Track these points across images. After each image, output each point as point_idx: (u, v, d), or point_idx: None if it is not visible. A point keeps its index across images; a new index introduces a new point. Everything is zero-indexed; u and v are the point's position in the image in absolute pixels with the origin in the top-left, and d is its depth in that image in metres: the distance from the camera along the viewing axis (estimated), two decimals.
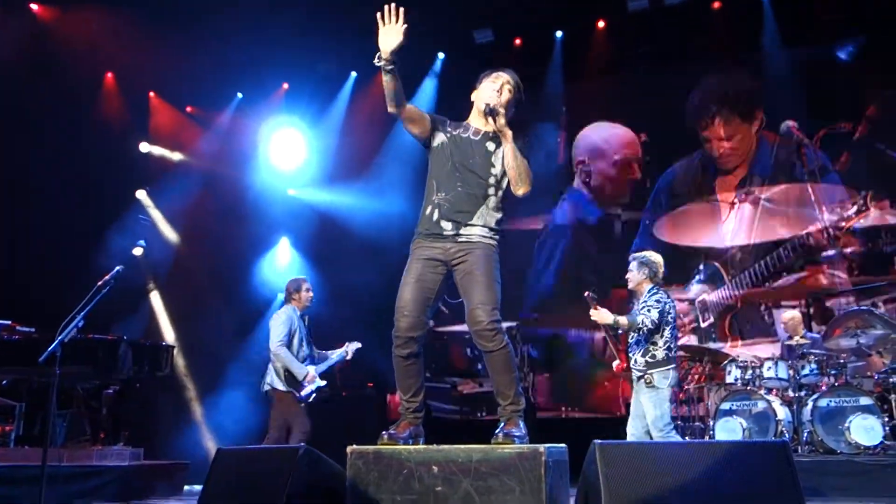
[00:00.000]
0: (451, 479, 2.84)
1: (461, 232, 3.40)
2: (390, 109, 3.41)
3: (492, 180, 3.47)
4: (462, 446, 2.89)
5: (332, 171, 10.74)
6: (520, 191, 3.43)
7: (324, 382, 6.03)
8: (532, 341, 10.01)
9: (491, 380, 3.33)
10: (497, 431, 3.17)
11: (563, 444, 3.02)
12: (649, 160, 9.96)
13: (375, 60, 3.28)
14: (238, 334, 10.06)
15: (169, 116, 10.90)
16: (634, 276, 5.56)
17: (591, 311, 5.34)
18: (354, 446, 3.06)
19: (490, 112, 3.40)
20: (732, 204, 9.51)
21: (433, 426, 3.72)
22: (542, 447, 2.79)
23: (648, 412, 5.20)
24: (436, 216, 3.43)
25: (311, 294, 6.16)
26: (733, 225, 9.48)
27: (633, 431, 5.36)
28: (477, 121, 3.58)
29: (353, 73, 10.74)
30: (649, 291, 5.45)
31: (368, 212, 10.07)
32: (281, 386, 5.86)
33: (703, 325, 9.04)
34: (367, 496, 2.96)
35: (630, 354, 5.44)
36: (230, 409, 9.25)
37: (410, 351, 3.37)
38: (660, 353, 5.30)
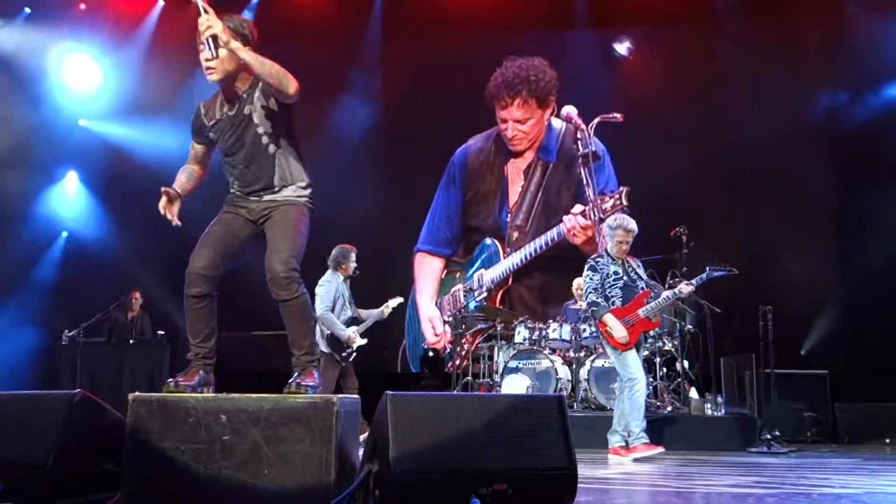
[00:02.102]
0: (240, 428, 2.78)
1: (263, 198, 3.38)
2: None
3: (264, 141, 3.33)
4: (253, 395, 2.84)
5: (130, 103, 10.00)
6: (290, 90, 3.15)
7: (364, 341, 6.57)
8: None
9: (287, 329, 3.29)
10: (290, 381, 3.14)
11: (356, 396, 3.05)
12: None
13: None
14: (17, 271, 9.23)
15: None
16: None
17: None
18: (137, 393, 2.90)
19: (214, 41, 3.08)
20: (519, 186, 10.03)
21: None
22: (334, 397, 2.79)
23: None
24: (238, 194, 3.43)
25: (355, 264, 6.67)
26: (515, 207, 10.02)
27: None
28: (228, 90, 3.35)
29: (160, 1, 10.03)
30: None
31: (168, 151, 9.50)
32: (324, 348, 6.35)
33: (477, 299, 9.45)
34: (149, 445, 2.82)
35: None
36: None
37: (200, 290, 3.26)
38: None
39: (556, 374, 7.47)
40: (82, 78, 10.01)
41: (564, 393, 7.44)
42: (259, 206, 3.36)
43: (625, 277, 5.97)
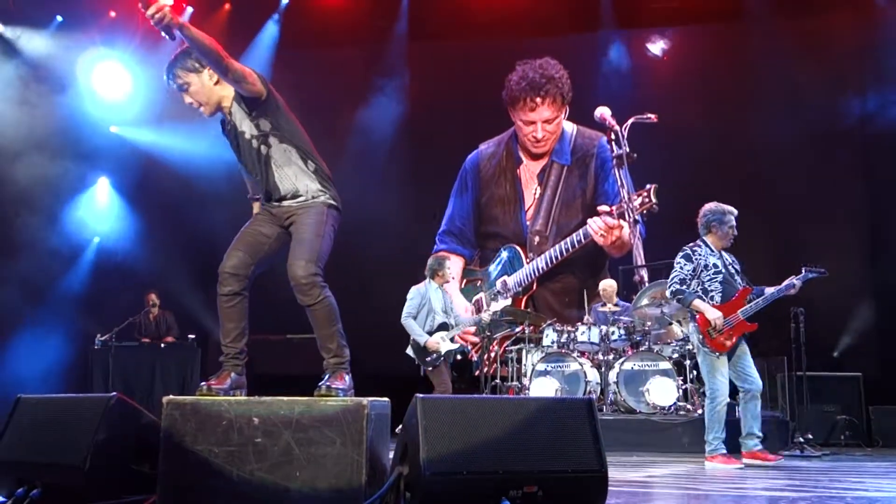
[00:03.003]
0: (272, 430, 2.82)
1: (283, 201, 3.42)
2: None
3: (263, 150, 3.36)
4: (284, 398, 2.87)
5: (161, 110, 10.12)
6: (222, 65, 3.06)
7: (452, 347, 6.63)
8: None
9: (315, 333, 3.31)
10: (320, 384, 3.17)
11: (387, 399, 3.07)
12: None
13: None
14: (49, 277, 9.38)
15: None
16: None
17: None
18: (171, 397, 2.94)
19: (167, 30, 2.96)
20: (533, 190, 10.03)
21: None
22: (365, 400, 2.82)
23: None
24: (262, 200, 3.51)
25: (451, 271, 6.86)
26: (533, 211, 10.01)
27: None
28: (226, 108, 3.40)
29: (189, 8, 10.15)
30: None
31: (197, 156, 9.62)
32: (409, 352, 6.68)
33: (497, 307, 9.44)
34: (183, 447, 2.87)
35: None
36: (34, 357, 8.64)
37: (231, 289, 3.30)
38: None
39: (585, 377, 7.44)
40: (113, 85, 10.16)
41: (594, 396, 7.41)
42: (281, 212, 3.41)
43: (724, 271, 5.46)
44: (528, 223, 10.01)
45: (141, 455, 3.08)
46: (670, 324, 7.90)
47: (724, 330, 5.29)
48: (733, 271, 5.53)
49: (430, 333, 6.57)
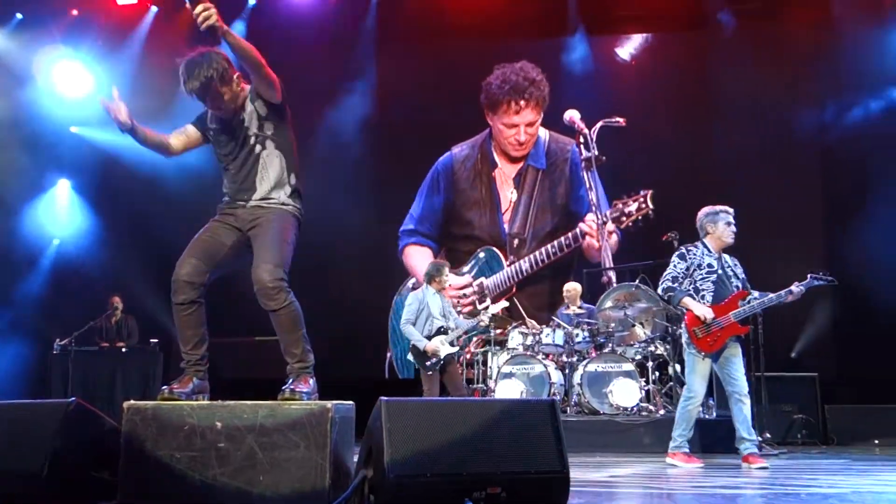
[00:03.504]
0: (235, 435, 2.81)
1: (251, 202, 3.42)
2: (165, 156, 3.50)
3: (252, 142, 3.40)
4: (248, 402, 2.86)
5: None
6: (268, 81, 3.26)
7: (452, 350, 6.59)
8: None
9: (279, 338, 3.30)
10: (284, 388, 3.16)
11: (351, 402, 3.07)
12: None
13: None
14: (7, 280, 9.21)
15: None
16: None
17: None
18: (131, 402, 2.92)
19: (212, 31, 3.02)
20: (509, 193, 10.11)
21: None
22: (329, 404, 2.82)
23: None
24: (226, 200, 3.49)
25: (447, 277, 6.84)
26: (510, 214, 10.09)
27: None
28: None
29: (154, 7, 10.05)
30: None
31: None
32: (410, 357, 6.74)
33: (479, 307, 9.51)
34: (144, 453, 2.84)
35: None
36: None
37: (185, 297, 3.28)
38: None
39: (550, 378, 7.50)
40: (74, 84, 9.98)
41: (558, 397, 7.47)
42: (246, 213, 3.39)
43: (720, 272, 5.43)
44: (505, 226, 10.07)
45: (101, 461, 3.05)
46: (633, 326, 8.01)
47: (712, 330, 5.29)
48: (731, 273, 5.49)
49: (429, 338, 6.63)
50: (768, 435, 6.79)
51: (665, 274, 5.55)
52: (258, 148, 3.40)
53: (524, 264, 9.72)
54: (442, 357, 6.58)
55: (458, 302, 9.49)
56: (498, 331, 8.20)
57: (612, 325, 7.81)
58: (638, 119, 9.22)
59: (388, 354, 10.13)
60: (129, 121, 3.28)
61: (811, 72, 9.53)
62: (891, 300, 7.97)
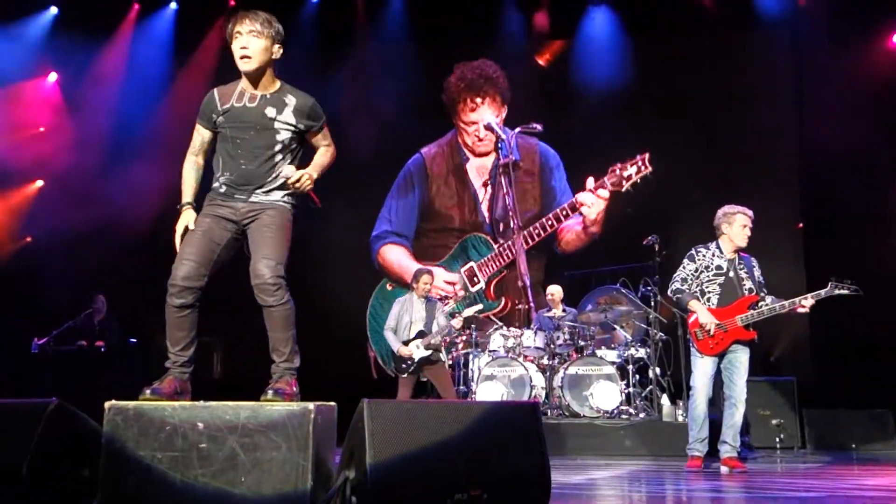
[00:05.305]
0: (217, 435, 2.80)
1: (253, 195, 3.35)
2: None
3: (278, 147, 3.35)
4: (230, 403, 2.85)
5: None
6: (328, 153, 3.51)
7: (425, 353, 6.66)
8: None
9: (269, 335, 3.30)
10: (267, 388, 3.16)
11: (333, 403, 3.07)
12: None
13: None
14: None
15: None
16: None
17: None
18: (113, 402, 2.90)
19: (295, 183, 3.30)
20: (484, 185, 10.18)
21: None
22: (311, 405, 2.82)
23: None
24: (223, 190, 3.38)
25: (427, 286, 6.88)
26: (488, 203, 10.16)
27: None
28: (248, 84, 3.38)
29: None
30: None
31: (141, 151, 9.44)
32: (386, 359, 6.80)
33: (472, 289, 9.61)
34: (125, 453, 2.83)
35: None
36: None
37: (184, 301, 3.24)
38: None
39: (531, 381, 7.53)
40: None
41: (539, 400, 7.50)
42: (246, 207, 3.33)
43: (730, 274, 5.40)
44: (485, 214, 10.14)
45: (82, 461, 3.03)
46: (614, 329, 8.06)
47: (714, 333, 5.28)
48: (744, 276, 5.43)
49: (408, 342, 6.72)
50: (747, 438, 6.86)
51: (675, 275, 5.56)
52: (278, 147, 3.35)
53: (519, 241, 9.80)
54: (416, 360, 6.65)
55: (450, 293, 9.51)
56: (478, 332, 8.21)
57: (594, 328, 7.86)
58: (614, 119, 9.37)
59: (372, 355, 10.13)
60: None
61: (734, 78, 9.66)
62: (870, 304, 8.07)
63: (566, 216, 9.35)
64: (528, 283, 8.63)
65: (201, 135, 3.46)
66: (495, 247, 10.02)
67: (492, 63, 9.96)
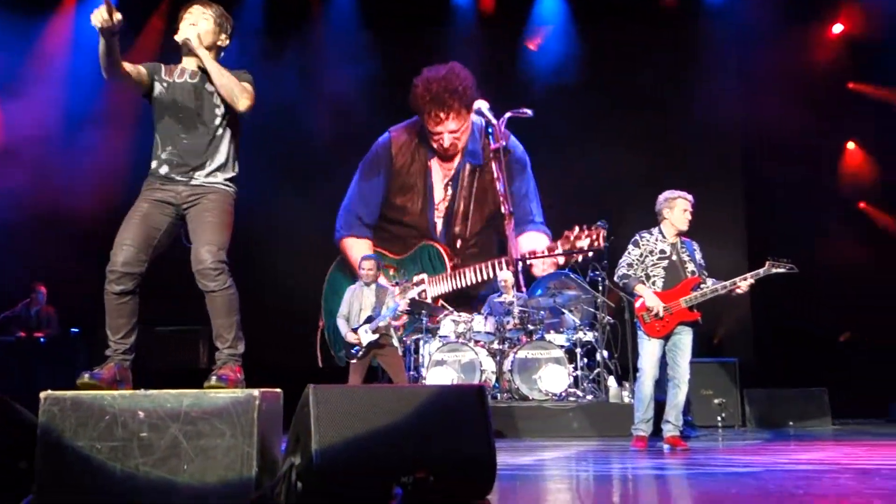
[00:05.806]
0: (158, 424, 2.75)
1: (194, 178, 3.31)
2: (105, 76, 3.20)
3: (217, 121, 3.36)
4: (172, 391, 2.80)
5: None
6: (241, 106, 3.32)
7: (373, 337, 6.70)
8: None
9: (212, 322, 3.25)
10: (211, 375, 3.12)
11: (279, 389, 3.05)
12: None
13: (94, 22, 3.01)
14: None
15: None
16: None
17: None
18: (49, 392, 2.83)
19: (186, 47, 3.36)
20: (444, 184, 10.19)
21: None
22: (256, 391, 2.79)
23: None
24: (164, 170, 3.32)
25: (371, 272, 6.96)
26: (445, 209, 10.17)
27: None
28: (190, 62, 3.43)
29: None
30: None
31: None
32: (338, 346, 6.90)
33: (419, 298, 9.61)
34: (62, 444, 2.76)
35: None
36: None
37: (124, 288, 3.18)
38: None
39: (481, 366, 7.58)
40: None
41: (489, 384, 7.56)
42: (187, 191, 3.29)
43: (673, 258, 5.51)
44: (437, 220, 10.13)
45: (18, 453, 2.95)
46: (563, 313, 8.15)
47: (662, 316, 5.37)
48: (686, 259, 5.54)
49: (359, 328, 6.79)
50: (690, 418, 7.02)
51: (620, 261, 5.64)
52: (218, 121, 3.35)
53: (469, 274, 9.84)
54: (364, 345, 6.71)
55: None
56: (429, 319, 8.23)
57: (543, 312, 7.94)
58: (565, 108, 9.43)
59: (320, 328, 10.06)
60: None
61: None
62: (809, 287, 8.30)
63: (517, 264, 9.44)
64: (518, 268, 8.61)
65: (137, 66, 3.35)
66: (448, 265, 10.02)
67: (460, 70, 9.85)
